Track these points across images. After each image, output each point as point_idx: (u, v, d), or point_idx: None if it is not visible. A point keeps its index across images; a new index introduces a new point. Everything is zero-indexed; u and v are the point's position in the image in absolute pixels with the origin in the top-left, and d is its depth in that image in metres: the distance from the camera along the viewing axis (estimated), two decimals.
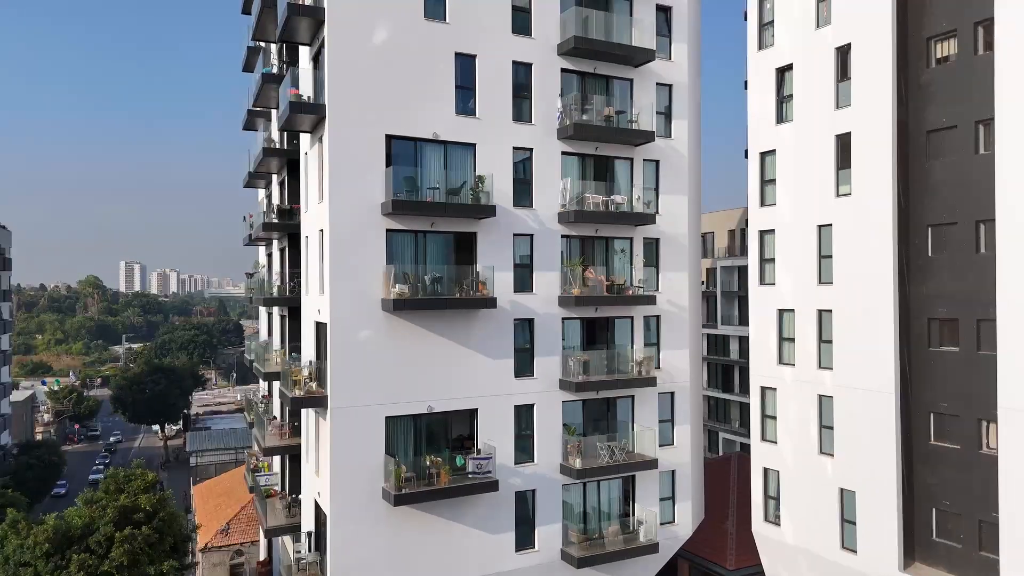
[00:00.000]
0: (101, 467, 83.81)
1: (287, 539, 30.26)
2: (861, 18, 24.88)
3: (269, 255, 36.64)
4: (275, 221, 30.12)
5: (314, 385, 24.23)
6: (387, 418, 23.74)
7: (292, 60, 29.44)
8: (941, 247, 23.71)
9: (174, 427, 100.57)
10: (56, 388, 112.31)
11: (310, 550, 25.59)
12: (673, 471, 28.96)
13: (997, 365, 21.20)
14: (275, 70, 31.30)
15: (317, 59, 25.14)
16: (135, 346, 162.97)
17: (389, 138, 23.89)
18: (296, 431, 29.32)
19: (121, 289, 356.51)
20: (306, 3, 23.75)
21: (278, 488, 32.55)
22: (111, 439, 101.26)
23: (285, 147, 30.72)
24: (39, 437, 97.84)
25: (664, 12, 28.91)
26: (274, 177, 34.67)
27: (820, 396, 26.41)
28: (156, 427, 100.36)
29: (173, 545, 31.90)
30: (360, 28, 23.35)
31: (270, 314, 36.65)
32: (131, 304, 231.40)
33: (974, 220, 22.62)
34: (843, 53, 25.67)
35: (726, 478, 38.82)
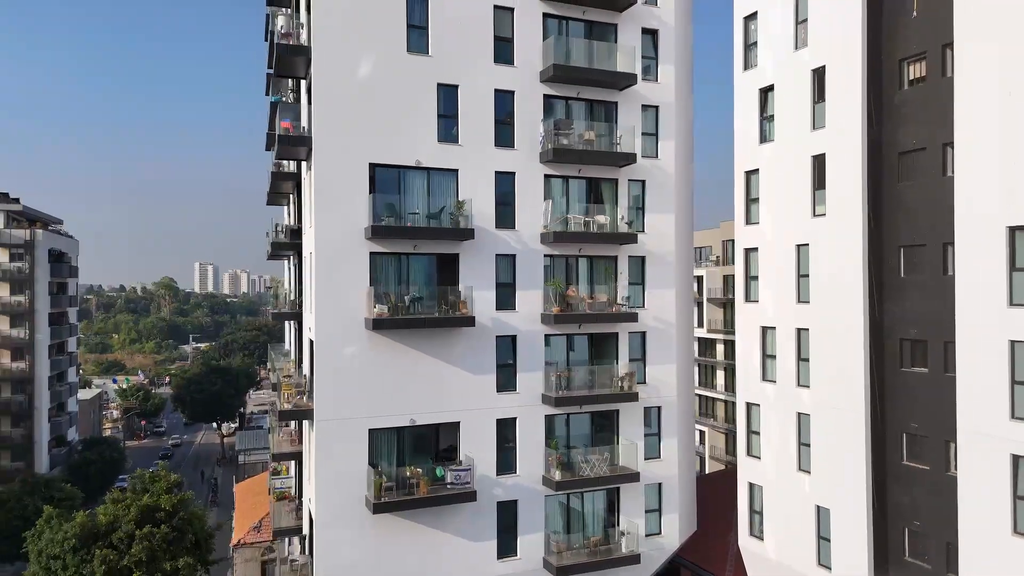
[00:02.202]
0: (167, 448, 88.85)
1: (297, 540, 32.12)
2: (835, 40, 25.10)
3: (289, 269, 38.71)
4: (283, 240, 31.99)
5: (304, 398, 25.89)
6: (370, 430, 25.19)
7: (299, 89, 31.24)
8: (912, 268, 23.79)
9: (232, 425, 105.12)
10: (125, 386, 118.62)
11: (303, 552, 27.28)
12: (660, 484, 29.61)
13: (956, 388, 21.29)
14: (291, 98, 33.18)
15: (310, 92, 26.77)
16: (201, 346, 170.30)
17: (373, 166, 25.33)
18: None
19: (196, 289, 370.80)
20: (294, 43, 25.40)
21: (292, 491, 34.47)
22: (169, 443, 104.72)
23: (294, 170, 32.59)
24: (108, 433, 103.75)
25: (651, 35, 29.58)
26: (291, 196, 36.66)
27: (799, 414, 26.69)
28: (215, 425, 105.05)
29: (195, 542, 34.14)
30: (344, 64, 24.86)
31: (290, 325, 38.69)
32: (200, 305, 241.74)
33: (941, 242, 22.66)
34: (819, 75, 25.91)
35: (735, 488, 38.98)
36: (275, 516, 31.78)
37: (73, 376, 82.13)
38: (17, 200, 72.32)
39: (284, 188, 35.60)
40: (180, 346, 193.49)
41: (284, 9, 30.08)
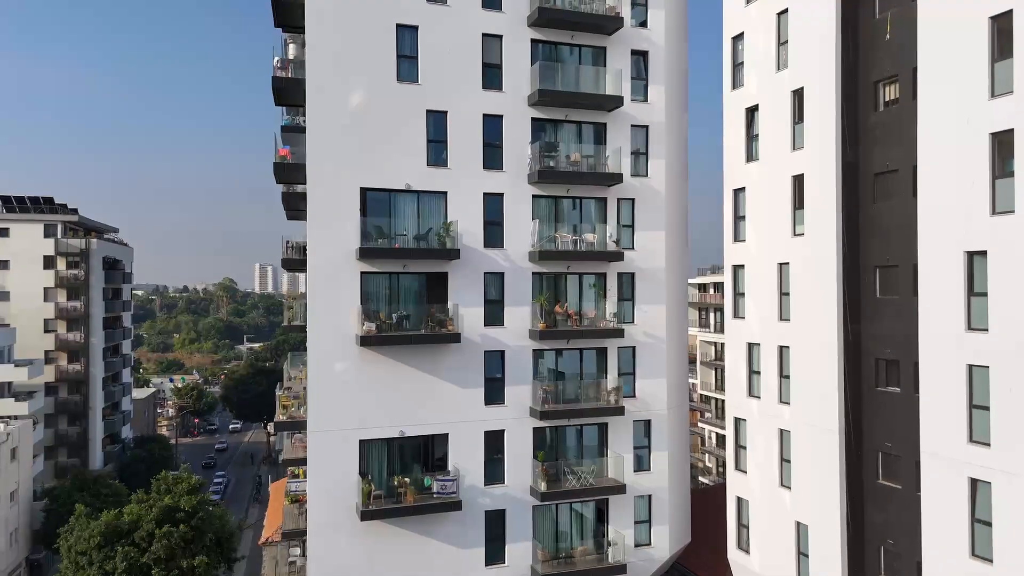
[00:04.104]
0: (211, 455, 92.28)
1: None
2: (812, 62, 25.42)
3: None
4: (292, 257, 33.58)
5: (302, 410, 27.42)
6: (361, 441, 26.55)
7: None
8: (886, 288, 23.97)
9: None
10: (180, 385, 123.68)
11: (302, 554, 28.84)
12: (650, 496, 30.20)
13: (920, 409, 21.51)
14: (302, 122, 34.81)
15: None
16: (255, 346, 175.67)
17: (364, 190, 26.70)
18: None
19: (256, 290, 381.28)
20: (290, 75, 26.93)
21: (307, 494, 36.14)
22: (216, 447, 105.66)
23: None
24: (164, 431, 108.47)
25: (640, 56, 30.20)
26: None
27: (780, 430, 27.04)
28: (263, 424, 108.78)
29: (217, 541, 36.16)
30: (336, 95, 26.25)
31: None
32: (256, 305, 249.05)
33: (912, 263, 22.78)
34: (798, 96, 26.22)
35: None
36: (286, 518, 33.50)
37: (127, 377, 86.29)
38: (75, 211, 76.44)
39: (301, 205, 37.22)
40: (236, 346, 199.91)
41: (299, 35, 31.57)
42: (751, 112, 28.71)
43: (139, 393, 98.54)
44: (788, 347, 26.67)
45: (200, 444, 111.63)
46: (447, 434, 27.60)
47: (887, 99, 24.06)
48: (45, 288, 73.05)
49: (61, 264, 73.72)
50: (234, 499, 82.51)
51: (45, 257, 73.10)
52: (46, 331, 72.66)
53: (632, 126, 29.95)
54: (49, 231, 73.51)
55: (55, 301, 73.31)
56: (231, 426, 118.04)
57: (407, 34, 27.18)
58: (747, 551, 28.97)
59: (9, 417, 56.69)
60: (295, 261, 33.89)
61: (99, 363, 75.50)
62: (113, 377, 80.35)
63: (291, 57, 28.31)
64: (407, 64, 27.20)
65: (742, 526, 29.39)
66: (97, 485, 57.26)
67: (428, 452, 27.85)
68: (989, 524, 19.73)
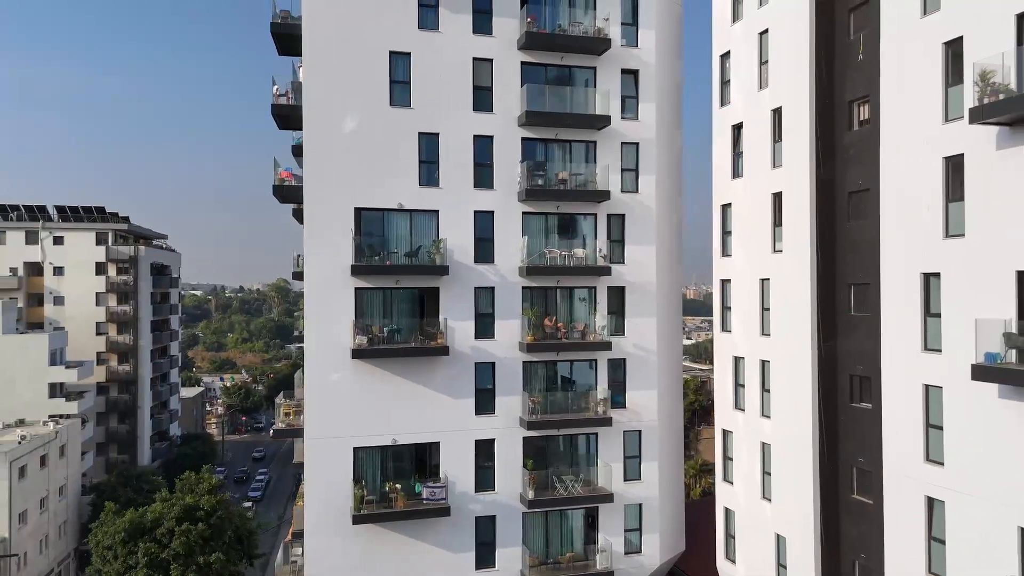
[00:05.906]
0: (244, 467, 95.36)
1: None
2: (788, 82, 25.80)
3: None
4: (302, 271, 35.23)
5: (301, 418, 28.98)
6: (355, 448, 27.97)
7: None
8: (860, 305, 24.26)
9: None
10: (229, 384, 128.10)
11: (302, 554, 30.38)
12: (640, 504, 30.88)
13: (882, 427, 21.83)
14: None
15: None
16: (303, 345, 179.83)
17: (358, 210, 28.10)
18: None
19: None
20: (288, 102, 28.52)
21: None
22: (254, 454, 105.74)
23: None
24: (213, 429, 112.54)
25: (631, 74, 30.88)
26: None
27: (762, 443, 27.48)
28: None
29: (238, 538, 38.12)
30: (332, 120, 27.70)
31: None
32: None
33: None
34: (777, 115, 26.62)
35: None
36: (296, 518, 35.19)
37: (175, 377, 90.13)
38: (126, 219, 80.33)
39: None
40: (286, 346, 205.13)
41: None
42: (736, 129, 29.16)
43: (188, 392, 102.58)
44: (768, 361, 27.09)
45: (246, 442, 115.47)
46: (439, 442, 28.80)
47: (861, 118, 24.33)
48: (97, 293, 76.90)
49: (112, 270, 77.51)
50: (275, 495, 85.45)
51: (97, 264, 76.94)
52: (98, 333, 76.52)
53: (623, 143, 30.65)
54: (100, 239, 77.36)
55: (106, 305, 77.11)
56: (272, 428, 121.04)
57: (400, 60, 28.44)
58: (733, 561, 29.45)
59: (60, 416, 60.14)
60: (300, 274, 35.61)
61: (147, 364, 79.18)
62: (161, 377, 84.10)
63: (301, 80, 29.84)
64: (400, 89, 28.47)
65: (729, 536, 29.87)
66: (140, 481, 60.26)
67: (421, 460, 29.09)
68: (943, 542, 20.00)
